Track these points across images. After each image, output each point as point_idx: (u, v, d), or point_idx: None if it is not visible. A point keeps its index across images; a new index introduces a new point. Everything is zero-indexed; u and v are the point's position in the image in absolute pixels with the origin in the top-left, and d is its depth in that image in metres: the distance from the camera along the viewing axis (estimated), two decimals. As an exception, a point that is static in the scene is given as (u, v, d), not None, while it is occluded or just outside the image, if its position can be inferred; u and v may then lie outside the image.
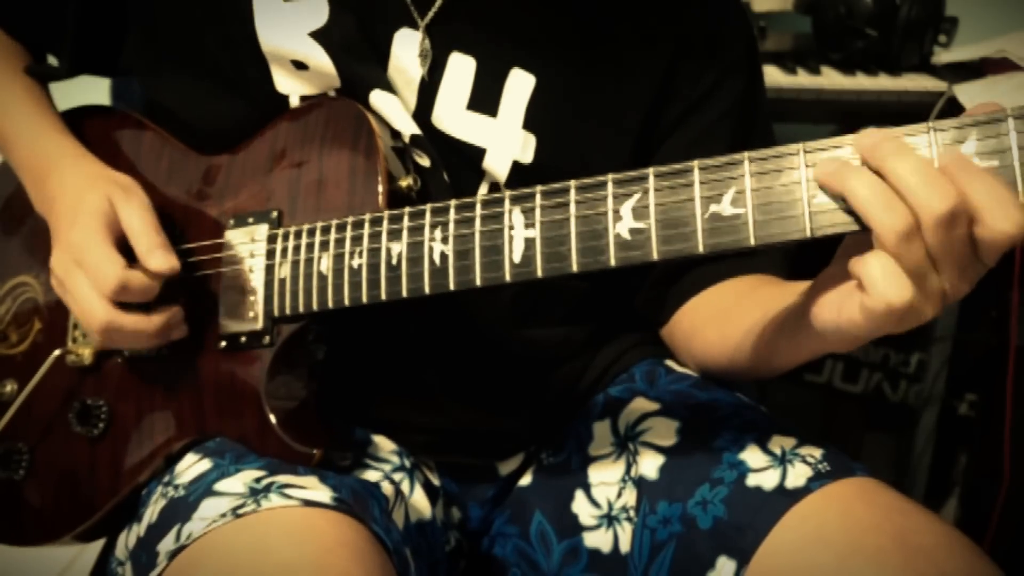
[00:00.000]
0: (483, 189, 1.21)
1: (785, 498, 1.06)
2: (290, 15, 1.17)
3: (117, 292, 1.11)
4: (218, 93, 1.22)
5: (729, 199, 0.86)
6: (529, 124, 1.19)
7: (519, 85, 1.19)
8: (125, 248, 1.15)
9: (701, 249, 0.88)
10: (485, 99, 1.19)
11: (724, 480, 1.11)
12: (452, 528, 1.32)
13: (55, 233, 1.18)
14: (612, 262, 0.91)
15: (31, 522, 1.26)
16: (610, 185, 0.92)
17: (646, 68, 1.23)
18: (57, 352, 1.23)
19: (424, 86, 1.18)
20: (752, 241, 0.85)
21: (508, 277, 0.96)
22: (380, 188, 1.09)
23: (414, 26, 1.18)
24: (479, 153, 1.19)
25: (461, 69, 1.18)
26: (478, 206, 0.99)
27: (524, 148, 1.19)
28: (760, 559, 1.04)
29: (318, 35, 1.16)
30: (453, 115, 1.19)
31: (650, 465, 1.19)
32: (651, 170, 0.90)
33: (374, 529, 1.03)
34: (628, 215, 0.91)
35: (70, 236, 1.14)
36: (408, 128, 1.16)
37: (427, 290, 1.01)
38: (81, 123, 1.32)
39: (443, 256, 1.00)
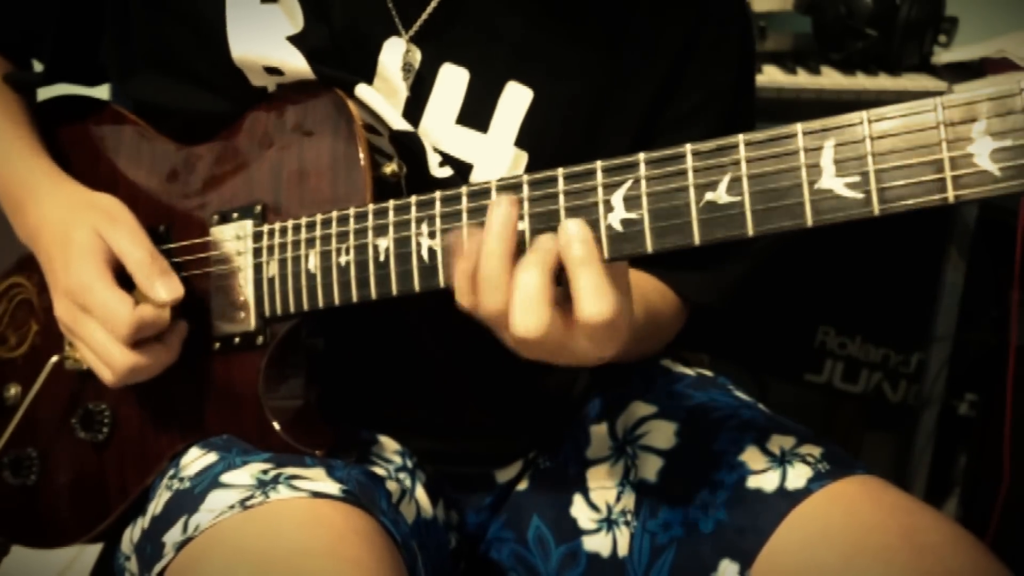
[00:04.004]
0: None
1: (786, 500, 1.05)
2: (266, 19, 1.10)
3: (134, 334, 1.06)
4: (195, 91, 1.16)
5: (725, 186, 0.80)
6: (522, 141, 1.13)
7: (515, 99, 1.13)
8: (126, 276, 1.10)
9: (697, 241, 0.82)
10: (476, 113, 1.13)
11: (724, 483, 1.10)
12: (452, 529, 1.28)
13: (50, 277, 1.13)
14: (605, 255, 0.86)
15: (49, 525, 1.23)
16: (599, 173, 0.86)
17: (648, 76, 1.18)
18: (55, 358, 1.19)
19: (412, 98, 1.12)
20: (751, 231, 0.80)
21: None
22: (364, 178, 1.04)
23: (401, 36, 1.12)
24: (466, 168, 1.13)
25: (453, 81, 1.12)
26: (464, 198, 0.93)
27: (514, 166, 1.13)
28: (764, 559, 1.03)
29: (295, 40, 1.10)
30: (441, 129, 1.13)
31: (650, 469, 1.17)
32: (642, 155, 0.85)
33: (382, 520, 1.01)
34: (619, 205, 0.85)
35: (68, 281, 1.09)
36: (398, 123, 1.10)
37: (417, 288, 0.97)
38: (59, 115, 1.27)
39: (431, 252, 0.95)
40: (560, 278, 0.86)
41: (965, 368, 2.44)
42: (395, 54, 1.11)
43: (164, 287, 1.08)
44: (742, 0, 1.26)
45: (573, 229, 0.84)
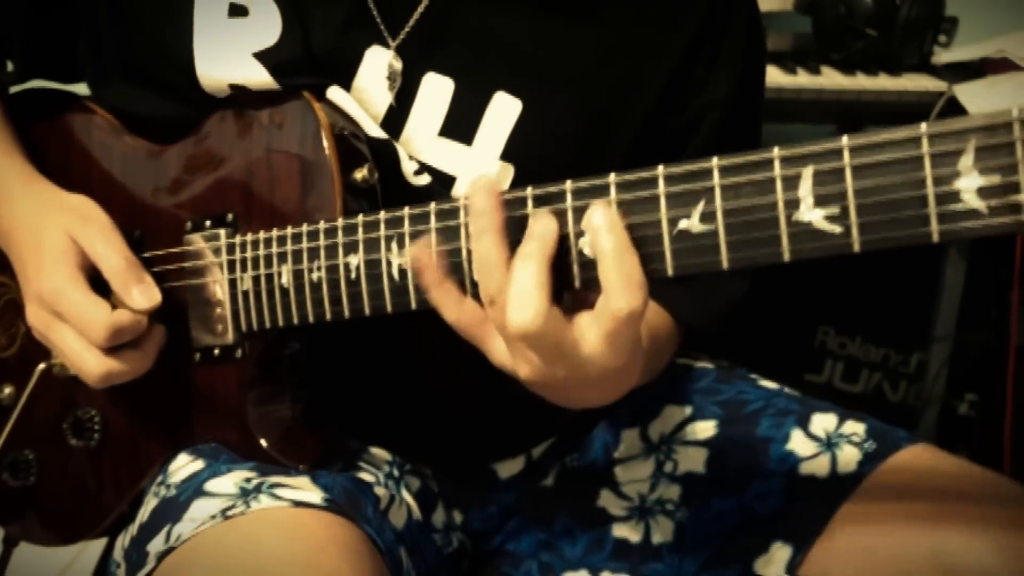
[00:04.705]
0: None
1: (841, 483, 1.06)
2: (234, 34, 1.07)
3: (111, 339, 1.02)
4: (168, 103, 1.12)
5: (698, 215, 0.75)
6: (509, 154, 1.08)
7: (502, 111, 1.08)
8: (101, 279, 1.07)
9: (670, 272, 0.77)
10: (461, 125, 1.08)
11: (777, 472, 1.11)
12: (454, 530, 1.25)
13: (23, 282, 1.09)
14: (576, 283, 0.81)
15: (52, 524, 1.23)
16: (569, 196, 0.81)
17: (647, 87, 1.12)
18: (42, 366, 1.15)
19: (393, 109, 1.08)
20: (725, 264, 0.75)
21: (470, 298, 0.87)
22: (334, 183, 1.01)
23: (385, 45, 1.07)
24: (449, 181, 1.09)
25: (436, 91, 1.08)
26: (432, 217, 0.89)
27: (499, 180, 1.09)
28: (847, 514, 1.04)
29: (264, 55, 1.06)
30: (423, 141, 1.09)
31: (696, 461, 1.17)
32: (612, 177, 0.79)
33: (366, 530, 0.99)
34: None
35: (40, 286, 1.05)
36: (371, 129, 1.07)
37: (389, 308, 0.93)
38: (30, 111, 1.23)
39: (402, 271, 0.91)
40: (563, 279, 0.81)
41: (965, 368, 2.42)
42: (376, 63, 1.07)
43: (141, 294, 1.05)
44: (752, 4, 1.20)
45: (598, 219, 0.78)
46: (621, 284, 0.77)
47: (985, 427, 2.38)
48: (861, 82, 2.14)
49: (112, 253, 1.05)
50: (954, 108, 2.04)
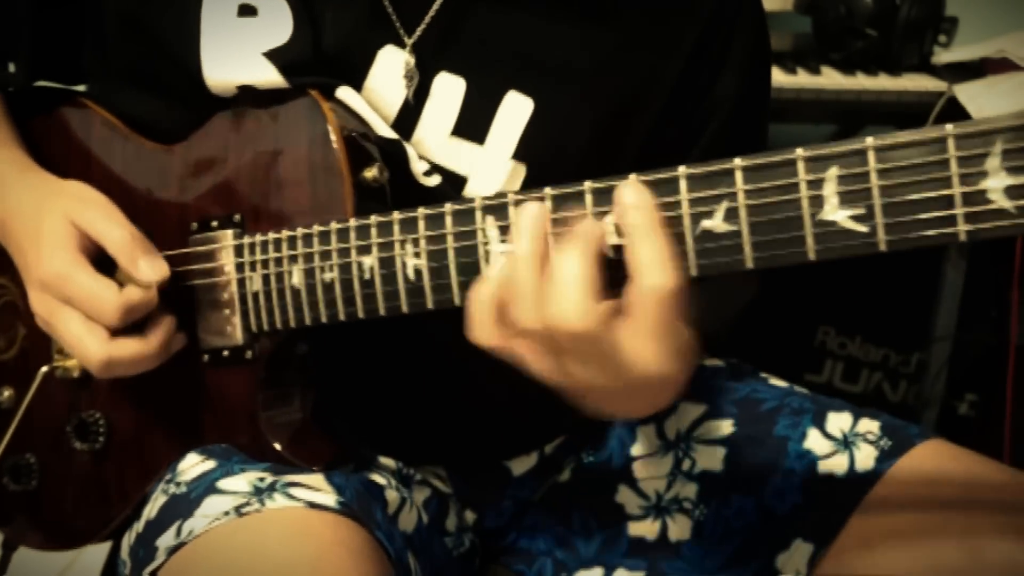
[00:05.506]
0: None
1: (860, 481, 1.07)
2: (243, 34, 1.06)
3: (123, 318, 1.01)
4: (174, 107, 1.12)
5: (722, 214, 0.75)
6: (521, 154, 1.08)
7: (514, 110, 1.08)
8: (102, 261, 1.06)
9: (694, 272, 0.77)
10: (473, 125, 1.07)
11: (796, 470, 1.12)
12: (466, 531, 1.25)
13: (24, 270, 1.09)
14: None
15: (54, 528, 1.21)
16: (588, 196, 0.81)
17: (657, 88, 1.12)
18: (44, 369, 1.15)
19: (406, 108, 1.08)
20: (750, 263, 0.75)
21: None
22: (344, 182, 0.99)
23: (400, 44, 1.07)
24: (461, 181, 1.09)
25: (448, 91, 1.07)
26: (448, 219, 0.89)
27: (511, 179, 1.08)
28: (874, 500, 1.05)
29: (274, 54, 1.05)
30: (435, 141, 1.08)
31: (713, 459, 1.17)
32: (632, 178, 0.79)
33: (376, 534, 0.98)
34: (611, 230, 0.80)
35: (41, 272, 1.05)
36: (381, 129, 1.05)
37: (405, 308, 0.93)
38: (32, 109, 1.22)
39: (417, 272, 0.91)
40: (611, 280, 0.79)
41: (965, 368, 2.43)
42: (390, 62, 1.07)
43: (149, 265, 1.04)
44: (758, 6, 1.20)
45: (630, 197, 0.77)
46: (654, 261, 0.75)
47: (985, 427, 2.38)
48: (861, 82, 2.14)
49: (115, 228, 1.05)
50: (954, 108, 2.03)
